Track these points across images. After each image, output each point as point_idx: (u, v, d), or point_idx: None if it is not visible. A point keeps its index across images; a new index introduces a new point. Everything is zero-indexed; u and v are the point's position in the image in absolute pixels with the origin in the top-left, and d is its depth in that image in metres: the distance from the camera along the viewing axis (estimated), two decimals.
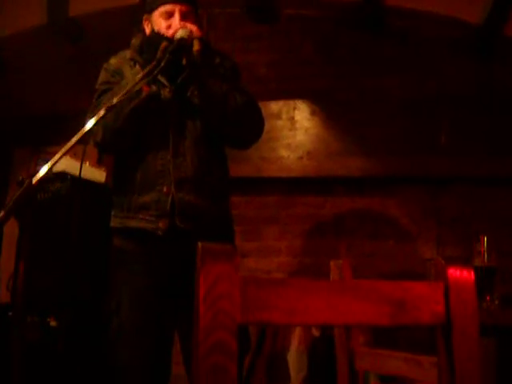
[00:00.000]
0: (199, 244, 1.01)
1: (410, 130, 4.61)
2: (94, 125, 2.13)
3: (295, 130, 4.79)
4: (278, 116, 4.80)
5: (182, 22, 2.62)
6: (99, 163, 3.95)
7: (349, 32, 4.85)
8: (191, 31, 2.56)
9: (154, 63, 2.42)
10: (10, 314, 3.24)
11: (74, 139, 2.07)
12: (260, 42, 4.96)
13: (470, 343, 1.16)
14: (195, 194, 2.60)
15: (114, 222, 2.69)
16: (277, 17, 4.97)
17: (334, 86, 4.80)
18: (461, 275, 1.19)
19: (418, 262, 4.37)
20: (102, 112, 2.16)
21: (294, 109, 4.81)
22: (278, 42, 4.96)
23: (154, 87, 2.58)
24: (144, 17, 2.78)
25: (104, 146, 2.70)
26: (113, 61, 2.79)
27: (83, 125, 2.21)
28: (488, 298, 3.28)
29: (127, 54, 2.76)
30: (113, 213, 2.70)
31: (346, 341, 2.21)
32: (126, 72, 2.68)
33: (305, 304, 1.08)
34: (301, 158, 4.75)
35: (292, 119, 4.81)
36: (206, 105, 2.65)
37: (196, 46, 2.52)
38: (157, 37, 2.60)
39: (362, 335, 3.52)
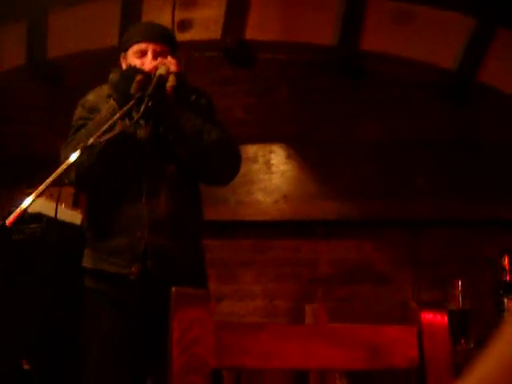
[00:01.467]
0: (173, 288, 1.01)
1: (386, 173, 4.64)
2: (69, 166, 2.14)
3: (271, 173, 4.80)
4: (254, 159, 4.81)
5: (159, 59, 2.64)
6: (75, 205, 3.94)
7: (324, 76, 4.90)
8: (169, 67, 2.58)
9: (132, 102, 2.44)
10: None
11: (49, 180, 2.07)
12: (237, 85, 5.00)
13: None
14: (168, 237, 2.58)
15: (87, 263, 2.65)
16: (254, 61, 5.02)
17: (310, 129, 4.84)
18: (434, 319, 1.19)
19: (395, 306, 4.36)
20: (77, 152, 2.17)
21: (270, 152, 4.83)
22: (254, 85, 4.99)
23: (127, 121, 2.55)
24: (121, 55, 2.81)
25: (78, 183, 2.66)
26: (90, 97, 2.79)
27: (58, 163, 2.21)
28: (463, 340, 3.29)
29: (105, 89, 2.75)
30: (85, 252, 2.67)
31: None
32: (103, 109, 2.65)
33: (279, 349, 1.08)
34: (277, 201, 4.75)
35: (268, 163, 4.82)
36: (179, 140, 2.64)
37: (170, 82, 2.53)
38: (132, 70, 2.61)
39: (338, 380, 3.49)
